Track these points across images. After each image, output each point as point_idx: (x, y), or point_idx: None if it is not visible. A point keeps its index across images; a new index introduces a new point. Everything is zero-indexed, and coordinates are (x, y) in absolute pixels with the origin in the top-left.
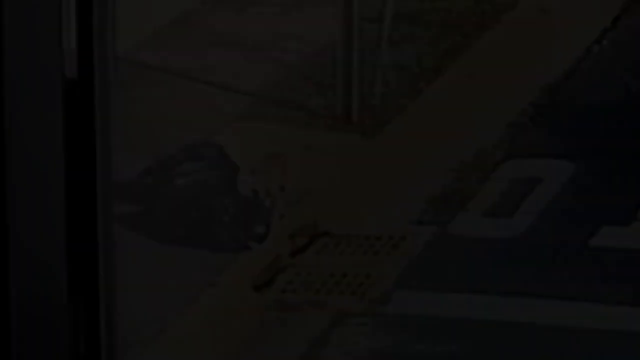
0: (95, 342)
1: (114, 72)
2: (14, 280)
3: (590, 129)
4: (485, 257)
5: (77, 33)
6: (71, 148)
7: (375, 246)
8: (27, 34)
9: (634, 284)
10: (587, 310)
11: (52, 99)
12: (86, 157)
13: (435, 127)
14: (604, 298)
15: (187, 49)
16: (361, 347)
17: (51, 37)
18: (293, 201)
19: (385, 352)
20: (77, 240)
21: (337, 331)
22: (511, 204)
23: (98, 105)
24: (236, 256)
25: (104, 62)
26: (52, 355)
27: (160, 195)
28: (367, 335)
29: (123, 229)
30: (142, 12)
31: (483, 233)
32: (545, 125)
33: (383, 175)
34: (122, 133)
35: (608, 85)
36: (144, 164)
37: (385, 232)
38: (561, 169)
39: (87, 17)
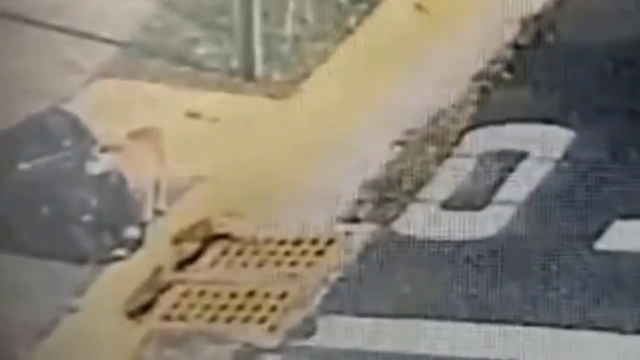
0: None
1: None
2: None
3: (591, 80)
4: (445, 268)
5: None
6: None
7: (294, 254)
8: None
9: None
10: (592, 343)
11: None
12: None
13: (371, 83)
14: (617, 324)
15: None
16: None
17: None
18: (176, 192)
19: None
20: None
21: None
22: (482, 190)
23: None
24: (102, 269)
25: None
26: None
27: None
28: None
29: None
30: None
31: (442, 233)
32: (528, 76)
33: (300, 153)
34: None
35: (611, 17)
36: None
37: (307, 234)
38: (553, 140)
39: None
